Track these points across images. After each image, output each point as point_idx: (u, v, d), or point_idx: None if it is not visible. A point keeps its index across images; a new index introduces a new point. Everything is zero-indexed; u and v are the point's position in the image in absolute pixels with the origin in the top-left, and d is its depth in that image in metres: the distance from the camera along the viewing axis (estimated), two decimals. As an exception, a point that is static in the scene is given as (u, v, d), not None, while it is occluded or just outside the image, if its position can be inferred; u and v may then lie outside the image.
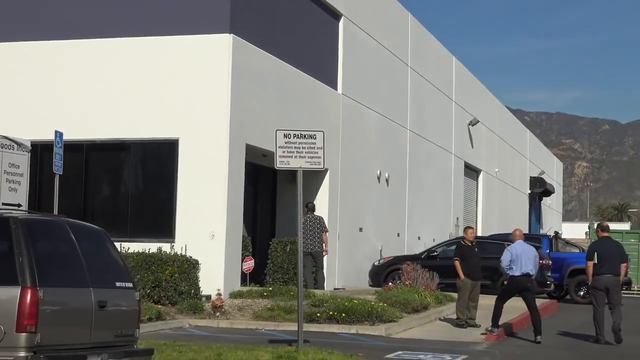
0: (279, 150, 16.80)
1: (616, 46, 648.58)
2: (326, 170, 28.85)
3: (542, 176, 71.47)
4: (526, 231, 61.28)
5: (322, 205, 28.97)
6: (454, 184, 46.09)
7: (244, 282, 24.70)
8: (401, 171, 37.34)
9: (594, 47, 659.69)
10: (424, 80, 40.85)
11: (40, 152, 23.89)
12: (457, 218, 45.97)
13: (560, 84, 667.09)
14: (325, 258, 27.66)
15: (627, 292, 40.17)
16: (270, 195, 29.70)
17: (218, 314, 21.54)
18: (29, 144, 20.14)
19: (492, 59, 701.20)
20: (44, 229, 10.62)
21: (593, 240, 21.47)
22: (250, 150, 24.76)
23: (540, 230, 70.55)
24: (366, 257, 32.54)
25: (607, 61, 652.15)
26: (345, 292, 26.38)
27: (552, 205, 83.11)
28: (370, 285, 30.98)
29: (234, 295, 23.24)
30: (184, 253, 22.60)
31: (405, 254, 34.77)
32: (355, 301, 21.87)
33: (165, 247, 22.79)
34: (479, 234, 46.17)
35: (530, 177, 69.24)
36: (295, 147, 16.81)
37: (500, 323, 21.17)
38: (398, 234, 36.81)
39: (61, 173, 20.62)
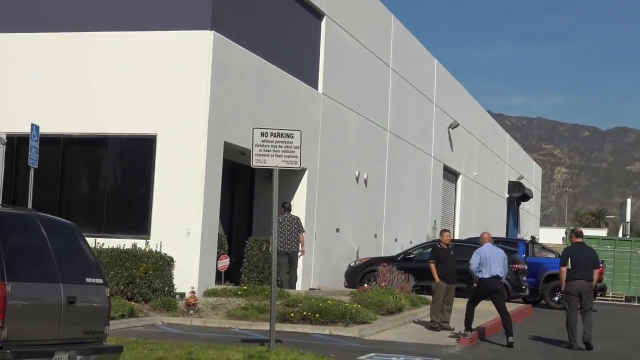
0: (255, 148, 16.73)
1: (598, 53, 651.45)
2: (304, 169, 28.78)
3: (520, 181, 71.61)
4: (503, 235, 61.50)
5: (299, 204, 28.91)
6: (433, 186, 46.09)
7: (218, 280, 24.60)
8: (380, 172, 37.30)
9: (576, 54, 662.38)
10: (405, 82, 40.82)
11: (16, 145, 23.75)
12: (435, 221, 45.97)
13: (542, 90, 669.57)
14: (301, 258, 27.61)
15: (602, 298, 40.29)
16: (247, 193, 29.61)
17: (191, 312, 21.45)
18: (4, 137, 20.03)
19: (474, 62, 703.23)
20: (14, 223, 10.49)
21: (568, 246, 21.50)
22: (229, 148, 24.67)
23: (518, 234, 70.67)
24: (342, 257, 32.49)
25: (588, 68, 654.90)
26: (320, 293, 26.33)
27: (530, 210, 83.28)
28: (346, 286, 30.94)
29: (208, 293, 23.15)
30: (158, 250, 22.50)
31: (382, 255, 34.74)
32: (329, 302, 21.81)
33: (141, 243, 22.66)
34: (457, 237, 46.24)
35: (509, 181, 69.36)
36: (272, 146, 16.75)
37: (473, 327, 21.16)
38: (375, 236, 36.77)
39: (36, 167, 20.50)
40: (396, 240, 39.06)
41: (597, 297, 36.50)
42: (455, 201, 52.54)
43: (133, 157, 24.50)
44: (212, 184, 23.73)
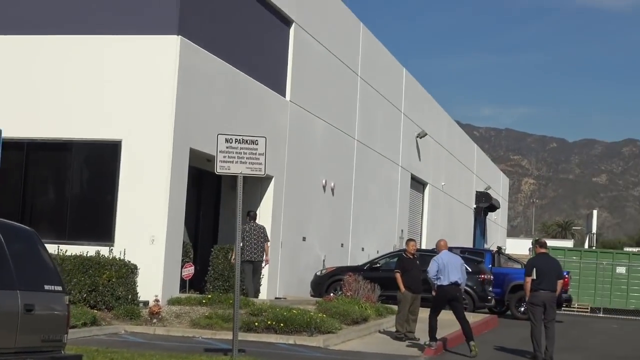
0: (219, 154, 16.56)
1: (566, 65, 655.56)
2: (271, 177, 28.64)
3: (488, 191, 71.83)
4: (470, 245, 61.64)
5: (265, 213, 28.75)
6: (400, 196, 46.06)
7: (183, 288, 24.38)
8: (347, 181, 37.21)
9: (544, 65, 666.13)
10: (374, 91, 40.77)
11: (-22, 149, 23.41)
12: (402, 230, 45.94)
13: (510, 101, 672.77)
14: (266, 267, 27.46)
15: (567, 309, 40.39)
16: (213, 201, 29.41)
17: (155, 320, 21.22)
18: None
19: (443, 73, 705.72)
20: (-31, 229, 10.29)
21: (533, 256, 21.47)
22: (195, 154, 24.47)
23: (485, 245, 70.87)
24: (309, 266, 32.36)
25: (556, 80, 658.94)
26: (285, 302, 26.17)
27: (497, 221, 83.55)
28: (312, 296, 30.82)
29: (172, 301, 22.92)
30: (122, 257, 22.25)
31: (349, 264, 34.63)
32: (294, 311, 21.65)
33: (104, 250, 22.42)
34: (424, 246, 46.25)
35: (477, 191, 69.55)
36: (236, 152, 16.58)
37: (438, 337, 21.06)
38: (342, 245, 36.66)
39: (-2, 171, 20.22)
40: (363, 249, 38.98)
41: (562, 308, 36.59)
42: (422, 211, 52.56)
43: (97, 162, 24.22)
44: (177, 190, 23.51)
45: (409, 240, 23.94)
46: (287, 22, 30.41)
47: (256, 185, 28.65)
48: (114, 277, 21.57)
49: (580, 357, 22.29)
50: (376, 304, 26.47)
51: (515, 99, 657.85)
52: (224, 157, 16.62)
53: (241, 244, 24.89)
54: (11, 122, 22.88)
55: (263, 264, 26.81)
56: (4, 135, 20.36)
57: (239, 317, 20.68)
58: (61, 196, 24.18)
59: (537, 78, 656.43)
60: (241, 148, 16.62)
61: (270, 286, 28.60)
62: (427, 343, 20.83)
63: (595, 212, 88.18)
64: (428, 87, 53.55)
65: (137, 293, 22.26)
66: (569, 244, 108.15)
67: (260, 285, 27.52)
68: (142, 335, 20.12)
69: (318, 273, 32.12)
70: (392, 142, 44.38)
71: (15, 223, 11.54)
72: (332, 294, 28.13)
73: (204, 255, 26.90)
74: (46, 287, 10.90)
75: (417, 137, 48.87)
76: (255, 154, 16.64)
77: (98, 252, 22.18)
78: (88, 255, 21.96)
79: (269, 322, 20.76)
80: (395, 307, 23.73)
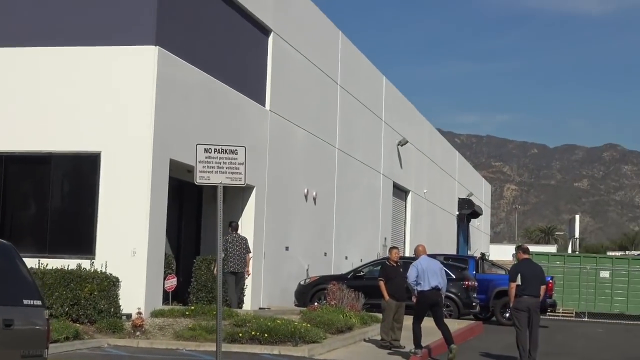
0: (199, 165, 16.39)
1: (545, 71, 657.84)
2: (252, 187, 28.51)
3: (470, 198, 71.90)
4: (454, 252, 61.64)
5: (247, 223, 28.61)
6: (382, 203, 45.98)
7: (166, 300, 24.19)
8: (329, 190, 37.11)
9: (524, 72, 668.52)
10: (354, 99, 40.71)
11: (-44, 163, 23.23)
12: (385, 238, 45.87)
13: (491, 108, 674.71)
14: (249, 278, 27.34)
15: (552, 314, 40.38)
16: (195, 212, 29.23)
17: (138, 333, 21.02)
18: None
19: (424, 81, 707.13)
20: (-54, 243, 10.12)
21: (516, 262, 21.38)
22: (175, 165, 24.30)
23: (468, 251, 70.88)
24: (292, 276, 32.22)
25: (536, 86, 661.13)
26: (269, 312, 26.03)
27: (480, 227, 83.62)
28: (296, 305, 30.69)
29: (155, 314, 22.73)
30: (104, 270, 22.05)
31: (332, 273, 34.51)
32: (278, 321, 21.50)
33: (85, 263, 22.21)
34: (407, 254, 46.14)
35: (459, 198, 69.61)
36: (216, 162, 16.40)
37: (423, 345, 20.94)
38: (325, 254, 36.54)
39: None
40: (346, 258, 38.87)
41: (547, 313, 36.58)
42: (405, 218, 52.51)
43: (77, 175, 24.00)
44: (158, 202, 23.34)
45: (392, 248, 23.83)
46: (265, 31, 30.31)
47: (238, 196, 28.51)
48: (95, 291, 21.36)
49: (566, 362, 22.20)
50: (361, 313, 26.37)
51: (496, 106, 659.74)
52: (203, 167, 16.44)
53: (223, 255, 24.88)
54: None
55: (246, 275, 26.75)
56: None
57: (223, 328, 20.55)
58: (41, 209, 23.95)
59: (517, 84, 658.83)
60: (220, 158, 16.45)
61: (254, 296, 28.45)
62: (412, 351, 20.73)
63: (577, 217, 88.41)
64: (409, 95, 53.59)
65: (120, 306, 22.05)
66: (552, 249, 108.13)
67: (243, 296, 27.39)
68: (125, 348, 19.91)
69: (302, 282, 32.00)
70: (373, 150, 44.33)
71: (-8, 237, 11.36)
72: (316, 304, 28.02)
73: (187, 267, 26.72)
74: (25, 301, 10.74)
75: (398, 144, 48.85)
76: (235, 163, 16.46)
77: (79, 266, 21.98)
78: (69, 268, 21.74)
79: (253, 333, 20.60)
80: (379, 315, 23.61)
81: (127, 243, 22.66)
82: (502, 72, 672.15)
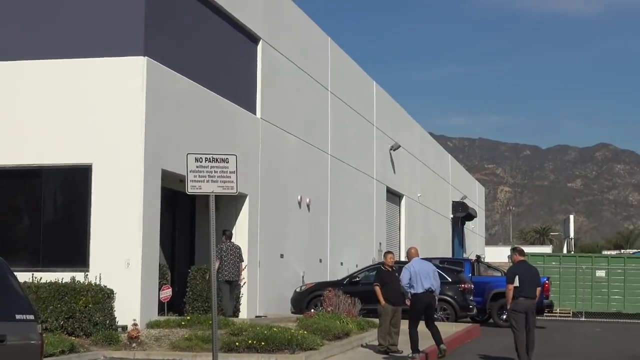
0: (190, 174, 16.33)
1: (535, 72, 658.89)
2: (245, 195, 28.43)
3: (464, 201, 71.89)
4: (449, 255, 61.63)
5: (241, 231, 28.53)
6: (376, 208, 45.93)
7: (162, 311, 24.08)
8: (322, 196, 37.04)
9: (514, 74, 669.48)
10: (345, 105, 40.67)
11: (-54, 179, 23.13)
12: (380, 243, 45.80)
13: (482, 110, 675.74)
14: (245, 286, 27.28)
15: (549, 314, 40.33)
16: (188, 221, 29.12)
17: (134, 344, 20.91)
18: None
19: (415, 85, 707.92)
20: (-64, 258, 10.02)
21: (513, 264, 21.33)
22: (167, 175, 24.21)
23: (463, 254, 70.85)
24: (288, 283, 32.13)
25: (526, 87, 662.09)
26: (265, 320, 25.94)
27: (475, 230, 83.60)
28: (292, 312, 30.61)
29: (151, 325, 22.62)
30: (98, 282, 21.96)
31: (328, 280, 34.43)
32: (275, 329, 21.41)
33: (79, 276, 22.10)
34: (403, 258, 46.06)
35: (453, 201, 69.57)
36: (207, 171, 16.35)
37: (420, 349, 20.86)
38: (320, 260, 36.45)
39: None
40: (342, 264, 38.79)
41: (544, 314, 36.52)
42: (399, 223, 52.46)
43: (68, 187, 23.92)
44: (151, 212, 23.24)
45: (387, 252, 23.74)
46: (254, 39, 30.25)
47: (231, 204, 28.43)
48: (90, 303, 21.27)
49: (564, 362, 22.14)
50: (357, 318, 26.29)
51: (487, 108, 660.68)
52: (195, 176, 16.39)
53: (218, 264, 24.82)
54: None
55: (241, 284, 26.73)
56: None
57: (219, 337, 20.45)
58: (33, 223, 23.84)
59: (508, 86, 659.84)
60: (212, 167, 16.39)
61: (250, 305, 28.36)
62: (410, 355, 20.65)
63: (571, 217, 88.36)
64: (400, 100, 53.68)
65: (115, 318, 21.95)
66: (547, 249, 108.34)
67: (239, 304, 27.32)
68: (121, 360, 19.85)
69: (297, 289, 31.93)
70: (365, 155, 44.29)
71: (-17, 251, 11.27)
72: (312, 310, 27.94)
73: (182, 277, 26.62)
74: (17, 316, 10.63)
75: (391, 149, 48.81)
76: (227, 172, 16.41)
77: (73, 278, 21.87)
78: (63, 281, 21.66)
79: (249, 342, 20.50)
80: (376, 321, 23.52)
81: (120, 254, 22.56)
82: (493, 74, 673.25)
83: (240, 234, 28.34)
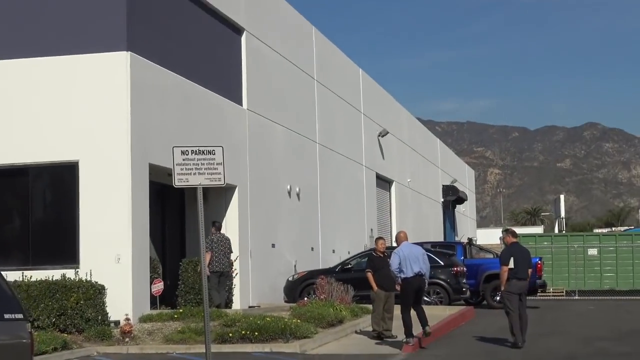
0: (176, 167, 16.27)
1: (520, 55, 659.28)
2: (234, 187, 28.38)
3: (454, 184, 71.90)
4: (441, 239, 61.63)
5: (232, 222, 28.49)
6: (367, 195, 45.89)
7: (154, 305, 24.04)
8: (312, 185, 36.99)
9: (499, 57, 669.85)
10: (332, 93, 40.60)
11: None
12: (372, 229, 45.79)
13: (469, 94, 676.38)
14: (237, 276, 27.26)
15: (543, 294, 40.37)
16: (178, 214, 29.06)
17: (127, 339, 20.87)
18: None
19: (401, 71, 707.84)
20: None
21: (507, 246, 21.33)
22: (155, 169, 24.14)
23: (455, 237, 70.87)
24: (280, 273, 32.09)
25: (512, 70, 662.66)
26: (259, 310, 25.92)
27: (465, 213, 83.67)
28: (285, 302, 30.57)
29: (144, 319, 22.59)
30: (89, 278, 21.91)
31: (320, 268, 34.39)
32: (268, 319, 21.39)
33: (70, 273, 22.07)
34: (395, 244, 46.03)
35: (443, 185, 69.57)
36: (194, 164, 16.28)
37: (414, 333, 20.85)
38: (312, 248, 36.43)
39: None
40: (334, 251, 38.76)
41: (538, 294, 36.56)
42: (390, 208, 52.43)
43: (56, 185, 23.84)
44: (140, 207, 23.18)
45: (378, 238, 23.73)
46: (237, 30, 30.15)
47: (220, 196, 28.38)
48: (81, 299, 21.24)
49: (559, 341, 22.15)
50: (351, 305, 26.27)
51: (474, 92, 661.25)
52: (181, 169, 16.33)
53: (209, 255, 24.79)
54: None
55: (233, 275, 26.72)
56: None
57: (213, 329, 20.43)
58: (22, 222, 23.77)
59: (494, 69, 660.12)
60: (198, 159, 16.33)
61: (243, 295, 28.33)
62: (404, 340, 20.63)
63: (562, 196, 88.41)
64: (386, 86, 53.51)
65: (107, 313, 21.92)
66: (538, 230, 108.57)
67: (232, 295, 27.30)
68: (115, 355, 19.79)
69: (290, 278, 31.89)
70: (354, 142, 44.23)
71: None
72: (305, 299, 27.89)
73: (173, 270, 26.58)
74: (6, 316, 10.59)
75: (379, 136, 48.76)
76: (213, 164, 16.34)
77: (64, 275, 21.84)
78: (54, 279, 21.65)
79: (243, 332, 20.49)
80: (370, 307, 23.51)
81: (110, 250, 22.52)
82: (479, 58, 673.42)
83: (231, 225, 28.30)
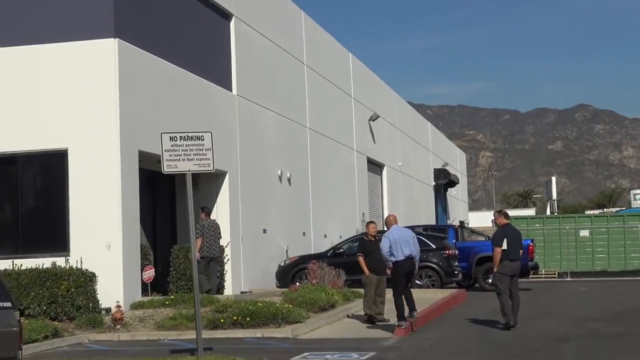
0: (165, 154, 16.23)
1: (511, 38, 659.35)
2: (225, 173, 28.33)
3: (445, 168, 71.87)
4: (433, 222, 61.64)
5: (223, 208, 28.45)
6: (358, 179, 45.85)
7: (145, 292, 24.02)
8: (303, 170, 36.94)
9: (489, 40, 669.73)
10: (322, 78, 40.51)
11: None
12: (363, 213, 45.76)
13: (460, 78, 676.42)
14: (229, 262, 27.22)
15: (535, 276, 40.41)
16: (169, 201, 29.00)
17: (118, 326, 20.87)
18: None
19: (392, 55, 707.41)
20: None
21: (499, 227, 21.31)
22: (145, 156, 24.07)
23: (447, 221, 70.89)
24: (272, 258, 32.06)
25: (503, 53, 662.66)
26: (250, 296, 25.90)
27: (457, 196, 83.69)
28: (277, 287, 30.55)
29: (135, 306, 22.57)
30: (79, 266, 21.88)
31: (312, 252, 34.37)
32: (259, 304, 21.38)
33: (60, 261, 22.03)
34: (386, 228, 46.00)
35: (434, 169, 69.54)
36: (182, 150, 16.25)
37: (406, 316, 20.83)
38: (304, 233, 36.40)
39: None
40: (325, 236, 38.74)
41: (530, 276, 36.59)
42: (382, 192, 52.39)
43: (45, 173, 23.78)
44: (130, 194, 23.13)
45: (369, 222, 23.71)
46: (226, 16, 30.04)
47: (211, 182, 28.32)
48: (72, 287, 21.21)
49: (551, 323, 22.18)
50: (343, 289, 26.26)
51: (465, 76, 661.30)
52: (170, 155, 16.29)
53: (200, 241, 24.75)
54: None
55: (225, 261, 26.69)
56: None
57: (204, 315, 20.43)
58: (11, 211, 23.71)
59: (485, 53, 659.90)
60: (187, 145, 16.29)
61: (235, 281, 28.30)
62: (396, 323, 20.62)
63: (553, 178, 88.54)
64: (377, 71, 53.57)
65: (98, 301, 21.90)
66: (530, 212, 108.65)
67: (224, 281, 27.28)
68: (106, 342, 19.78)
69: (282, 264, 31.86)
70: (344, 127, 44.16)
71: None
72: (297, 284, 27.88)
73: (165, 256, 26.53)
74: (-6, 304, 10.54)
75: (370, 120, 48.69)
76: (202, 149, 16.31)
77: (54, 263, 21.82)
78: (44, 267, 21.62)
79: (234, 318, 20.48)
80: (362, 291, 23.49)
81: (101, 237, 22.49)
82: (470, 41, 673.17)
83: (222, 211, 28.26)
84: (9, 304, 10.75)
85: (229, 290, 27.54)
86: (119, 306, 21.46)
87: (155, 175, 26.32)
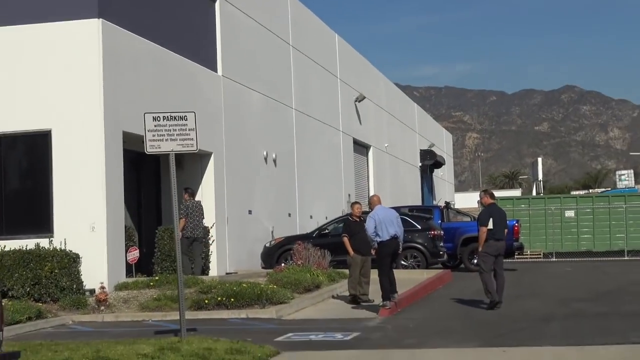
0: (148, 134, 16.16)
1: (497, 19, 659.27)
2: (210, 153, 28.26)
3: (432, 149, 71.88)
4: (419, 203, 61.66)
5: (208, 189, 28.41)
6: (344, 160, 45.82)
7: (130, 273, 23.97)
8: (289, 151, 36.88)
9: (476, 22, 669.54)
10: (307, 59, 40.40)
11: None
12: (349, 195, 45.74)
13: (447, 59, 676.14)
14: (214, 243, 27.18)
15: (520, 256, 40.51)
16: (154, 182, 28.92)
17: (102, 308, 20.83)
18: None
19: (378, 37, 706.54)
20: None
21: (485, 207, 21.31)
22: (129, 137, 23.97)
23: (433, 201, 70.94)
24: (257, 239, 32.03)
25: (490, 35, 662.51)
26: (235, 277, 25.88)
27: (444, 177, 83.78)
28: (262, 268, 30.54)
29: (119, 287, 22.53)
30: (63, 247, 21.80)
31: (297, 233, 34.35)
32: (244, 285, 21.35)
33: (44, 242, 21.96)
34: (370, 208, 45.96)
35: (421, 150, 69.54)
36: (165, 130, 16.17)
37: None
38: (289, 214, 36.37)
39: None
40: (311, 217, 38.73)
41: (515, 256, 36.66)
42: (368, 173, 52.37)
43: (29, 154, 23.69)
44: (114, 175, 23.05)
45: (354, 203, 23.67)
46: (211, -5, 29.92)
47: (196, 163, 28.25)
48: (56, 269, 21.13)
49: (536, 303, 22.22)
50: (328, 270, 26.25)
51: (452, 57, 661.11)
52: (153, 135, 16.21)
53: (183, 222, 24.71)
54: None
55: (210, 242, 26.67)
56: None
57: (188, 296, 20.40)
58: (-6, 191, 23.62)
59: (472, 34, 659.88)
60: (170, 125, 16.21)
61: (220, 262, 28.28)
62: (381, 304, 20.62)
63: (539, 159, 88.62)
64: (364, 52, 53.33)
65: (82, 282, 21.82)
66: (517, 193, 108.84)
67: (209, 262, 27.26)
68: (90, 324, 19.73)
69: (267, 245, 31.83)
70: (330, 108, 44.08)
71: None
72: (282, 264, 27.87)
73: (150, 238, 26.48)
74: (-25, 285, 10.47)
75: (356, 101, 48.62)
76: (186, 129, 16.23)
77: (38, 245, 21.74)
78: (28, 248, 21.52)
79: (219, 299, 20.46)
80: (347, 272, 23.49)
81: (85, 218, 22.43)
82: (457, 22, 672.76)
83: (207, 192, 28.21)
84: (-11, 285, 10.70)
85: (214, 271, 27.51)
86: (103, 287, 21.41)
87: (139, 156, 26.20)
